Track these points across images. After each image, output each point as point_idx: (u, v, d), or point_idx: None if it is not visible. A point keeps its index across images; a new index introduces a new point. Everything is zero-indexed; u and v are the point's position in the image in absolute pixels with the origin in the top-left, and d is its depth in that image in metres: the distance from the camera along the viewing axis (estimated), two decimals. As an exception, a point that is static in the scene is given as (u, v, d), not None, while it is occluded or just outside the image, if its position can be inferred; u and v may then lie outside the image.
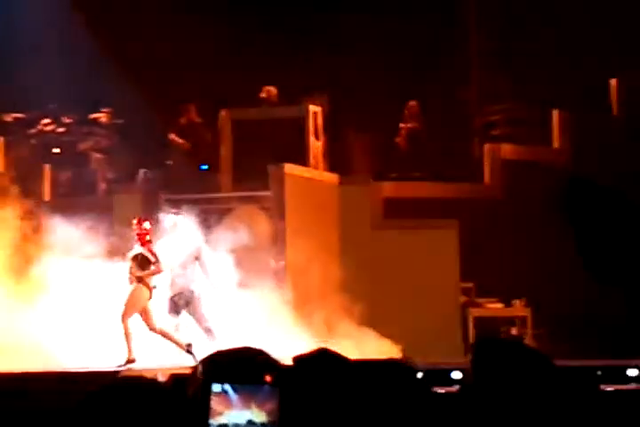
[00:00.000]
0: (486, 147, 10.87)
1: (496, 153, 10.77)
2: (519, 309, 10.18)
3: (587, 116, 10.70)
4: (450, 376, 6.28)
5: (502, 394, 1.88)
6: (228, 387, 1.93)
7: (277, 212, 9.80)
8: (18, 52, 11.01)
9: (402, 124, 10.95)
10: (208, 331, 8.83)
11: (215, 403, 1.93)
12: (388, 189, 10.62)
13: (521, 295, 10.05)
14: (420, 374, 2.18)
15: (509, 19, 11.33)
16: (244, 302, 9.41)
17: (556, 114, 10.81)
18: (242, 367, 1.98)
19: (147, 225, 8.38)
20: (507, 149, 10.80)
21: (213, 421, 1.91)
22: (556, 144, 10.84)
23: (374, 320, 9.40)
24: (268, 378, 1.92)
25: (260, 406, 1.94)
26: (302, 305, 9.47)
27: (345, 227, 10.28)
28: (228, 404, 1.95)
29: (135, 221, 8.43)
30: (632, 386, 7.26)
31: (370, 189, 10.50)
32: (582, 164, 10.33)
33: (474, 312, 10.18)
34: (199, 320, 8.91)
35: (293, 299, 9.41)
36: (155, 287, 8.52)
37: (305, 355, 2.04)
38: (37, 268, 9.02)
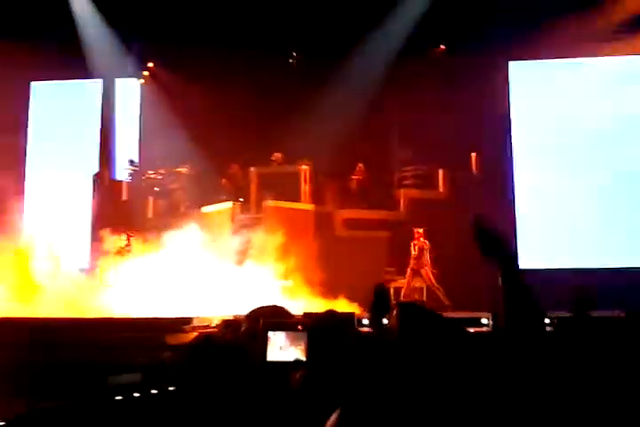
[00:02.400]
0: (401, 191, 14.93)
1: (406, 194, 14.77)
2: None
3: (458, 173, 14.85)
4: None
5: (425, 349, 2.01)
6: (279, 333, 2.57)
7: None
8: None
9: (353, 177, 14.96)
10: None
11: (270, 345, 2.57)
12: (346, 213, 14.44)
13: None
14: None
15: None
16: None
17: (440, 171, 14.95)
18: (281, 319, 2.66)
19: None
20: (412, 192, 14.83)
21: (270, 358, 2.55)
22: (441, 189, 14.95)
23: (339, 289, 11.82)
24: (300, 327, 2.56)
25: (301, 346, 2.56)
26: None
27: (320, 236, 13.59)
28: (281, 345, 2.59)
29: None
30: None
31: (335, 213, 14.37)
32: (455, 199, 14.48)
33: (393, 285, 13.01)
34: None
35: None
36: None
37: (319, 313, 2.63)
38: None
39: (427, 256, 13.05)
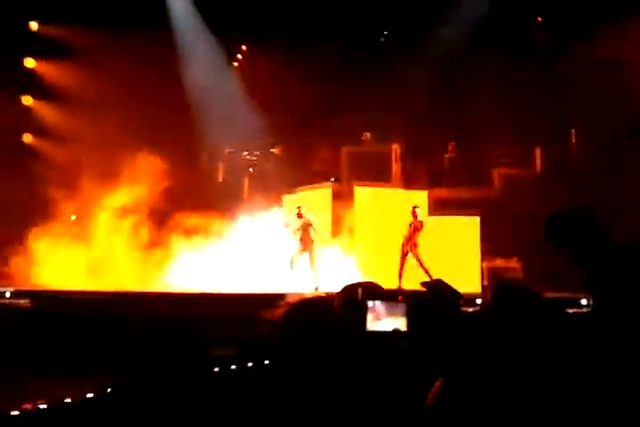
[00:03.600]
0: (496, 169, 14.99)
1: (501, 173, 14.80)
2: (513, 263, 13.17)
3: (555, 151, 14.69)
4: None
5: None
6: (378, 303, 2.53)
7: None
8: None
9: (445, 155, 15.06)
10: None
11: (370, 315, 2.53)
12: (438, 192, 14.15)
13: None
14: None
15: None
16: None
17: (537, 151, 14.84)
18: (378, 291, 2.62)
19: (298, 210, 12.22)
20: (507, 171, 14.81)
21: (370, 327, 2.51)
22: (538, 168, 14.74)
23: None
24: (400, 298, 2.52)
25: (400, 316, 2.52)
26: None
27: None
28: (378, 315, 2.55)
29: (296, 208, 12.43)
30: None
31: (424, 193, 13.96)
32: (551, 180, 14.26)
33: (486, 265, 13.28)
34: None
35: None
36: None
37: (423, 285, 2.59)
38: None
39: (417, 236, 12.33)
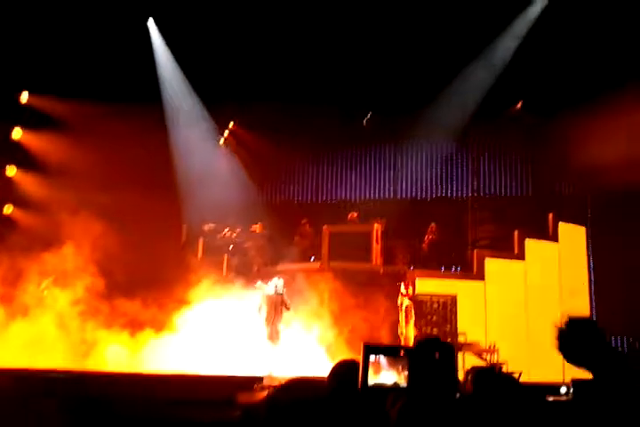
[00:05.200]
0: (475, 251, 14.71)
1: (480, 255, 14.47)
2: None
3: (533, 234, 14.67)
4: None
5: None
6: (380, 357, 2.57)
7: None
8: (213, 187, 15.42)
9: (425, 236, 14.90)
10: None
11: (371, 368, 2.55)
12: (418, 273, 14.07)
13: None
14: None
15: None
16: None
17: (516, 232, 14.68)
18: (385, 347, 2.66)
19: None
20: (486, 253, 14.55)
21: (371, 380, 2.53)
22: (516, 250, 14.59)
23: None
24: (402, 352, 2.53)
25: (401, 371, 2.52)
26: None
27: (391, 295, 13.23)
28: (379, 369, 2.58)
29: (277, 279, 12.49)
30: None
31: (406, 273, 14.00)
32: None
33: (467, 350, 12.89)
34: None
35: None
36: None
37: (422, 340, 2.59)
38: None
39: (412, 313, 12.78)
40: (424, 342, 2.60)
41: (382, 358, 2.58)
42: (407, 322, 12.69)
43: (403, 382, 2.52)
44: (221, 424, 6.68)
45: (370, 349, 2.62)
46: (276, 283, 12.47)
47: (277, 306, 12.19)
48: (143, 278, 13.27)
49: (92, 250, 13.57)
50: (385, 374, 2.58)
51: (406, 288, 12.96)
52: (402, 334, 12.64)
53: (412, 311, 12.79)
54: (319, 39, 14.77)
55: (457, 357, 2.63)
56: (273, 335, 12.10)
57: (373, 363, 2.58)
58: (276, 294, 12.30)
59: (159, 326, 12.94)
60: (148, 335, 12.98)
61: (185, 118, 16.43)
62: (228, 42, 15.33)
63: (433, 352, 2.50)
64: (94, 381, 9.97)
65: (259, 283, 12.65)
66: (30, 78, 16.08)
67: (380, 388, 2.53)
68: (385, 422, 2.41)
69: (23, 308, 13.18)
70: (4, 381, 9.21)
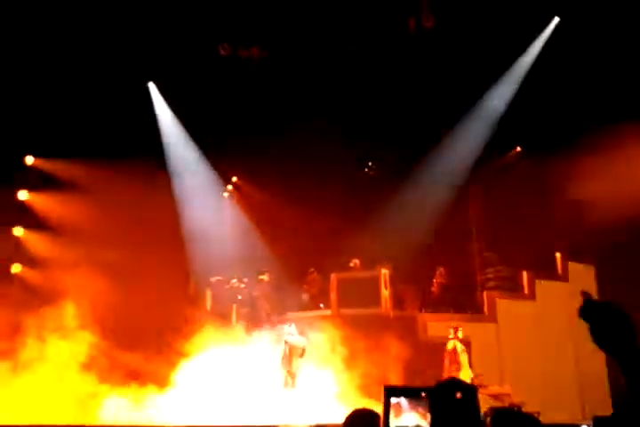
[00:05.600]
0: (485, 293, 14.85)
1: (490, 297, 14.67)
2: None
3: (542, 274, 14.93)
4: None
5: None
6: (401, 399, 2.63)
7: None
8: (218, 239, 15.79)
9: (434, 280, 15.07)
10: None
11: (393, 410, 2.61)
12: (428, 317, 14.40)
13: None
14: None
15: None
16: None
17: (524, 274, 14.86)
18: (406, 388, 2.74)
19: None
20: (496, 294, 14.75)
21: (392, 423, 2.57)
22: (526, 291, 14.76)
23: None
24: (423, 394, 2.57)
25: (422, 412, 2.50)
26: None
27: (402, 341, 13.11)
28: (400, 411, 2.65)
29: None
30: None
31: (417, 317, 14.36)
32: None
33: (483, 392, 12.07)
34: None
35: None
36: None
37: (443, 381, 2.58)
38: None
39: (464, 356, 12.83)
40: (445, 383, 2.56)
41: (403, 400, 2.59)
42: (457, 366, 12.62)
43: (425, 425, 2.47)
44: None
45: (391, 391, 2.61)
46: (290, 329, 12.52)
47: (294, 352, 12.18)
48: (149, 331, 13.41)
49: (94, 305, 13.52)
50: (407, 417, 2.60)
51: (455, 332, 12.92)
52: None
53: (465, 354, 12.77)
54: (316, 93, 15.19)
55: (479, 398, 2.53)
56: (289, 381, 12.00)
57: (394, 405, 2.59)
58: (294, 340, 12.32)
59: (165, 378, 12.89)
60: (152, 389, 12.87)
61: (188, 171, 16.67)
62: (228, 99, 15.66)
63: (454, 393, 2.45)
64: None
65: (280, 328, 12.72)
66: (34, 142, 16.35)
67: None
68: None
69: (25, 363, 13.02)
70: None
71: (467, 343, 13.64)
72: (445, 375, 12.43)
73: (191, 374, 12.91)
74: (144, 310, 13.78)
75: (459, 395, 2.43)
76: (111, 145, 15.52)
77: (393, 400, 2.60)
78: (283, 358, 12.21)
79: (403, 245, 15.01)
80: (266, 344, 12.81)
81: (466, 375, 12.59)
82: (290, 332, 12.51)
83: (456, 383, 2.53)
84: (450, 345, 12.96)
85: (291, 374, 12.12)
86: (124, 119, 15.61)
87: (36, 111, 15.54)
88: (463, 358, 12.79)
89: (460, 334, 13.06)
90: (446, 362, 12.81)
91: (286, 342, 12.31)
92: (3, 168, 15.55)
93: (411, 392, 2.62)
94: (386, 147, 15.96)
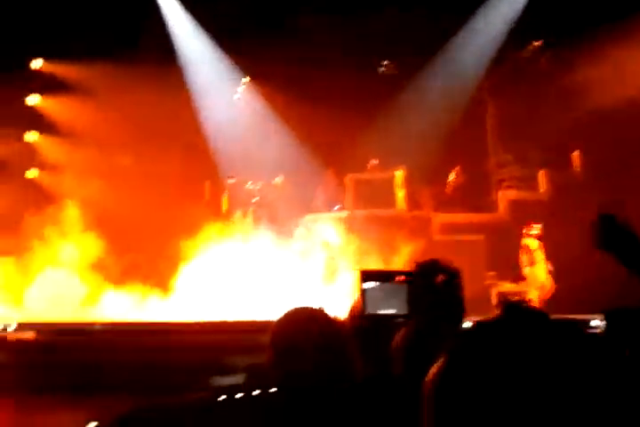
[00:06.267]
0: (500, 193, 14.87)
1: (505, 196, 14.64)
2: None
3: (558, 173, 14.60)
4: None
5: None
6: (377, 284, 2.45)
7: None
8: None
9: (449, 181, 14.95)
10: None
11: (369, 297, 2.42)
12: (443, 217, 14.43)
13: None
14: None
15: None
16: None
17: (541, 172, 14.70)
18: (383, 272, 2.58)
19: None
20: (512, 194, 14.65)
21: (368, 310, 2.42)
22: (542, 189, 14.65)
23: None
24: (402, 278, 2.41)
25: (400, 298, 2.38)
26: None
27: (416, 239, 13.18)
28: (378, 297, 2.45)
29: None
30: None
31: (432, 217, 14.42)
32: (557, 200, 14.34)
33: (496, 289, 13.20)
34: None
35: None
36: None
37: (423, 263, 2.45)
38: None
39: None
40: (426, 266, 2.42)
41: (380, 285, 2.42)
42: (533, 263, 12.77)
43: (404, 310, 2.37)
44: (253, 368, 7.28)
45: (367, 275, 2.45)
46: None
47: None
48: (163, 235, 13.48)
49: (106, 209, 13.93)
50: (384, 303, 2.45)
51: (529, 230, 12.87)
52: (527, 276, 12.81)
53: (540, 252, 12.79)
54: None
55: (463, 282, 2.40)
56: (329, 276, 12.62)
57: (370, 290, 2.41)
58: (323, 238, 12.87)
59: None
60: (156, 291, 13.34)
61: (203, 75, 16.47)
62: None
63: (435, 276, 2.34)
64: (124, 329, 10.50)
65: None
66: (44, 44, 15.91)
67: (380, 316, 2.40)
68: (388, 350, 2.28)
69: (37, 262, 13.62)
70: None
71: (482, 244, 13.66)
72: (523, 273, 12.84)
73: (200, 273, 13.33)
74: (159, 213, 14.01)
75: (440, 278, 2.33)
76: (122, 46, 15.16)
77: (369, 285, 2.41)
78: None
79: (419, 145, 14.80)
80: (295, 248, 13.16)
81: (541, 271, 12.76)
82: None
83: (437, 266, 2.40)
84: (524, 242, 12.96)
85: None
86: (129, 15, 15.31)
87: (34, 11, 15.12)
88: (538, 254, 12.84)
89: (535, 231, 12.89)
90: (522, 259, 12.94)
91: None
92: (11, 72, 15.28)
93: (387, 276, 2.44)
94: (402, 44, 15.33)
